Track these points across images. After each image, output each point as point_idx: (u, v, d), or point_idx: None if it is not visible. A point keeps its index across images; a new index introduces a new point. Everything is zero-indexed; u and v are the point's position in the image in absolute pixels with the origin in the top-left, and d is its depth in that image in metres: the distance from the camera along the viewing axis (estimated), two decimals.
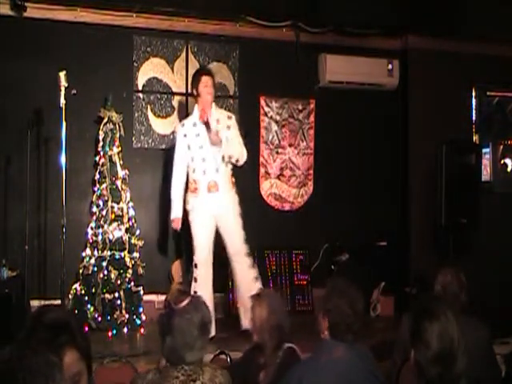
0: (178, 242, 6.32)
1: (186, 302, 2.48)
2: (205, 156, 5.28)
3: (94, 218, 5.81)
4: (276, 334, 3.35)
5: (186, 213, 5.36)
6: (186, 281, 6.03)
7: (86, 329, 5.29)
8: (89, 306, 5.58)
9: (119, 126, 5.97)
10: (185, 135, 5.35)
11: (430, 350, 2.17)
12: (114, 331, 5.53)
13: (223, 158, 5.24)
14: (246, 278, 5.30)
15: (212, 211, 5.27)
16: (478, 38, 7.09)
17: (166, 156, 6.53)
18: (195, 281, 5.24)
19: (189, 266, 6.13)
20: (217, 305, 5.43)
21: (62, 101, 5.14)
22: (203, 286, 5.20)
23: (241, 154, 5.29)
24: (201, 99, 5.29)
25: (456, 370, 2.17)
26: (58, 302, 5.04)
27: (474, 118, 7.57)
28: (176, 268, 6.22)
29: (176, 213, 5.36)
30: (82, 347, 1.91)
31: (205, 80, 5.26)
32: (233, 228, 5.31)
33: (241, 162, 5.33)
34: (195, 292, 5.06)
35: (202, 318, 2.48)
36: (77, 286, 5.67)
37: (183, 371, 2.42)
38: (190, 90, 5.47)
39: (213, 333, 4.74)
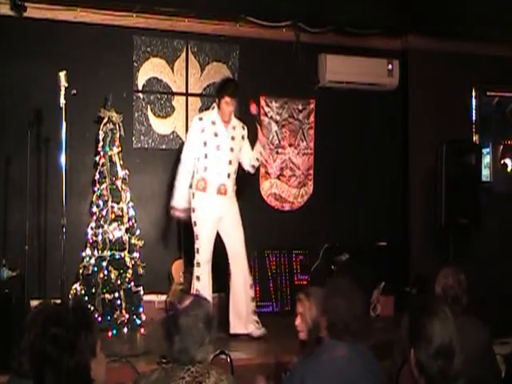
0: (178, 241, 6.32)
1: (189, 301, 2.51)
2: (221, 157, 5.32)
3: (94, 218, 5.81)
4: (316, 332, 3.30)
5: (188, 209, 5.37)
6: (187, 280, 6.05)
7: None
8: (89, 306, 5.57)
9: (119, 126, 5.97)
10: (202, 130, 5.34)
11: (431, 346, 2.17)
12: (114, 331, 5.54)
13: (253, 166, 5.57)
14: (242, 284, 5.33)
15: (217, 214, 5.30)
16: (478, 38, 7.09)
17: (166, 156, 6.55)
18: (198, 279, 5.25)
19: (188, 265, 6.15)
20: (217, 305, 5.43)
21: (62, 101, 5.14)
22: (206, 284, 5.23)
23: (256, 161, 5.63)
24: (222, 108, 5.36)
25: (455, 365, 2.18)
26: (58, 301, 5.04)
27: (473, 118, 7.57)
28: (176, 268, 6.22)
29: (178, 201, 5.35)
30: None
31: (229, 100, 5.30)
32: (234, 232, 5.36)
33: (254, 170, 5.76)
34: (197, 290, 5.08)
35: (206, 314, 2.50)
36: (77, 286, 5.68)
37: (189, 372, 2.41)
38: (217, 93, 5.48)
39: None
